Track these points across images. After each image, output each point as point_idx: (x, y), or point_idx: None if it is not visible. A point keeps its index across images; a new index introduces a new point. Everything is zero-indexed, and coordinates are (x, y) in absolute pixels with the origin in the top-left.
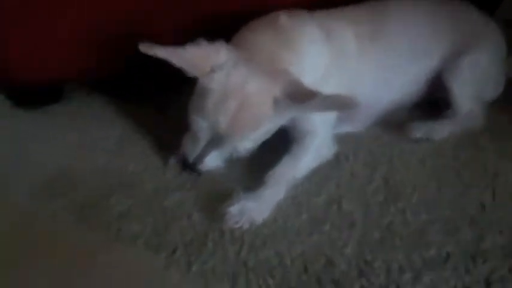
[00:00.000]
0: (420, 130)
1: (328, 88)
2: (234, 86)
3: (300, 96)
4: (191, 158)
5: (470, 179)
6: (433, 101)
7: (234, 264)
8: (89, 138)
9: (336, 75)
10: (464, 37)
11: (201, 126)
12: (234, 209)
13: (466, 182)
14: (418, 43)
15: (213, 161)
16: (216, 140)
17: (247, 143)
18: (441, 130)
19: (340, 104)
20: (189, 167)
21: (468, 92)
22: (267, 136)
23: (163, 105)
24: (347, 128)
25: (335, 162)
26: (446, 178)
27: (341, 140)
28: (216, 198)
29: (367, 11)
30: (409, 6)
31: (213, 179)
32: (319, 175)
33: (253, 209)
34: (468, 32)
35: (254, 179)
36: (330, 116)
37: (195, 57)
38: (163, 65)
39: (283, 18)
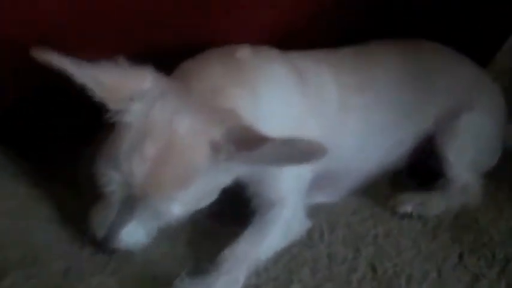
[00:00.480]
0: (410, 204)
1: None
2: (156, 122)
3: (247, 140)
4: (101, 233)
5: (477, 267)
6: (418, 168)
7: None
8: None
9: (313, 131)
10: (461, 94)
11: (111, 182)
12: None
13: (473, 271)
14: (410, 99)
15: (132, 234)
16: (131, 203)
17: (175, 207)
18: (435, 205)
19: (304, 152)
20: (99, 245)
21: (465, 160)
22: (207, 200)
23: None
24: (320, 198)
25: (307, 240)
26: (448, 266)
27: (313, 212)
28: (148, 286)
29: (350, 56)
30: (399, 55)
31: (146, 259)
32: (289, 257)
33: None
34: (466, 89)
35: (202, 259)
36: (301, 182)
37: (110, 79)
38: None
39: (243, 51)
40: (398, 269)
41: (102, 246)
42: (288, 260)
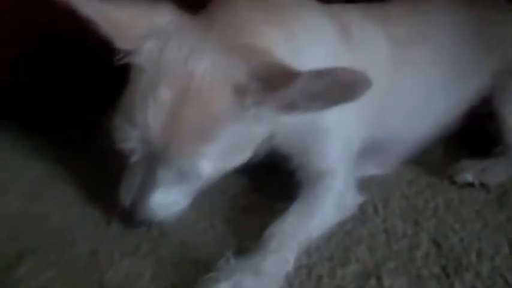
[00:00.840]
0: (470, 172)
1: (349, 112)
2: (171, 63)
3: (276, 77)
4: (127, 204)
5: None
6: (472, 134)
7: None
8: None
9: None
10: None
11: (128, 138)
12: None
13: None
14: (467, 53)
15: (160, 202)
16: (153, 163)
17: (201, 164)
18: (497, 172)
19: (344, 84)
20: (125, 216)
21: None
22: (239, 157)
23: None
24: (371, 170)
25: (360, 215)
26: None
27: (364, 185)
28: (188, 269)
29: (399, 7)
30: (453, 7)
31: (182, 239)
32: (342, 234)
33: (254, 287)
34: None
35: (244, 238)
36: (350, 149)
37: (121, 15)
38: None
39: None
40: (465, 244)
41: (130, 218)
42: (342, 237)
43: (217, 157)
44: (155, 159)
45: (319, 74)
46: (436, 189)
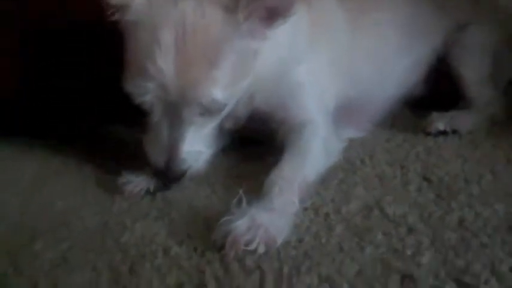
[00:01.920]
0: (442, 121)
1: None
2: (162, 11)
3: None
4: (161, 162)
5: None
6: (436, 95)
7: None
8: None
9: (325, 49)
10: (466, 11)
11: (145, 91)
12: (241, 225)
13: None
14: (419, 15)
15: (193, 149)
16: (175, 111)
17: (216, 91)
18: (466, 121)
19: None
20: (164, 176)
21: (480, 74)
22: (246, 78)
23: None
24: (349, 133)
25: (350, 166)
26: (500, 168)
27: (346, 146)
28: (200, 224)
29: None
30: None
31: (188, 204)
32: (337, 181)
33: (269, 223)
34: (468, 5)
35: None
36: (325, 103)
37: None
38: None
39: None
40: (452, 174)
41: (168, 175)
42: (338, 183)
43: (227, 82)
44: (177, 105)
45: None
46: (413, 142)
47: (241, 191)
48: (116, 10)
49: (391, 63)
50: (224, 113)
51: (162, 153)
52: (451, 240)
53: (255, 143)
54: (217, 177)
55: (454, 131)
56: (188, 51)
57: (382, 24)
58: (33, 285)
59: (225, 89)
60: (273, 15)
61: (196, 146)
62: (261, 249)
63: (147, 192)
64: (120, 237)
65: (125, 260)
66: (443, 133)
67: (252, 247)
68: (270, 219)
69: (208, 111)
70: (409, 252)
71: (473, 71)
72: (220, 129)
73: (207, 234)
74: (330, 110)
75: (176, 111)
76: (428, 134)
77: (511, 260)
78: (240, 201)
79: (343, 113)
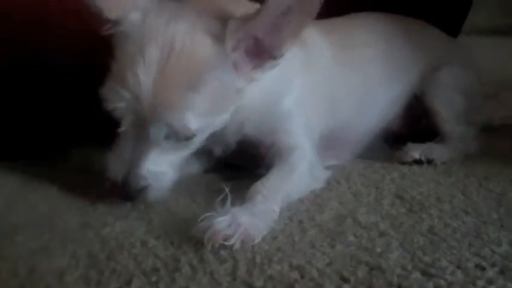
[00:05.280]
0: (417, 151)
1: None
2: (154, 27)
3: (247, 16)
4: (119, 175)
5: (499, 188)
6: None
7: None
8: None
9: (311, 81)
10: (440, 53)
11: (121, 100)
12: (222, 221)
13: (496, 192)
14: (399, 55)
15: (154, 168)
16: (144, 126)
17: (189, 117)
18: (440, 152)
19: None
20: (119, 190)
21: (454, 111)
22: (222, 113)
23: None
24: (329, 161)
25: (326, 185)
26: (472, 189)
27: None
28: (178, 224)
29: (341, 21)
30: (387, 22)
31: (168, 209)
32: (313, 196)
33: (249, 224)
34: (444, 49)
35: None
36: (311, 132)
37: None
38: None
39: None
40: (425, 194)
41: (123, 190)
42: (314, 197)
43: (202, 111)
44: (146, 121)
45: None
46: (389, 169)
47: (227, 189)
48: (112, 24)
49: (372, 98)
50: (191, 144)
51: (122, 166)
52: (419, 242)
53: (238, 167)
54: (198, 189)
55: (429, 161)
56: (170, 71)
57: (364, 60)
58: (14, 269)
59: (199, 116)
60: (262, 52)
61: (160, 167)
62: (237, 246)
63: None
64: (100, 231)
65: (104, 249)
66: (418, 162)
67: (229, 243)
68: (251, 221)
69: (176, 135)
70: (378, 250)
71: (447, 108)
72: (209, 154)
73: (184, 233)
74: (316, 138)
75: (144, 127)
76: (403, 163)
77: (478, 259)
78: (224, 200)
79: (324, 143)
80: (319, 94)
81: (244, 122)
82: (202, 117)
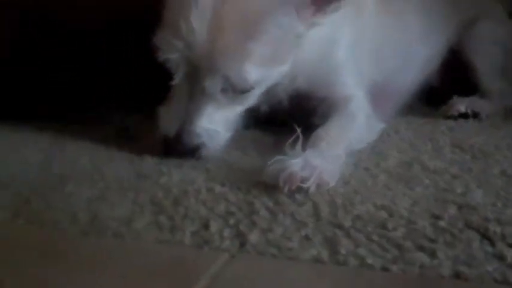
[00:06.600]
0: (463, 104)
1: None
2: None
3: None
4: (171, 132)
5: None
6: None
7: (316, 228)
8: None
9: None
10: (475, 6)
11: (175, 50)
12: (297, 163)
13: None
14: (437, 8)
15: (207, 126)
16: (199, 78)
17: (248, 66)
18: (485, 105)
19: None
20: (171, 147)
21: (490, 62)
22: (281, 61)
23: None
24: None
25: (379, 138)
26: None
27: None
28: (238, 172)
29: None
30: None
31: (224, 159)
32: (369, 148)
33: (322, 167)
34: (478, 2)
35: None
36: (363, 84)
37: None
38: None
39: None
40: (482, 143)
41: (176, 147)
42: (371, 148)
43: (262, 60)
44: (201, 73)
45: None
46: (434, 123)
47: (299, 130)
48: None
49: (412, 51)
50: (248, 99)
51: (175, 122)
52: (497, 183)
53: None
54: (247, 142)
55: (475, 115)
56: (225, 16)
57: (404, 12)
58: (72, 217)
59: (258, 67)
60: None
61: (214, 125)
62: (313, 189)
63: None
64: (158, 180)
65: (167, 196)
66: (464, 116)
67: (306, 185)
68: (324, 164)
69: (232, 88)
70: (459, 191)
71: (485, 62)
72: (256, 112)
73: (249, 179)
74: (365, 89)
75: (199, 79)
76: (448, 117)
77: None
78: (295, 142)
79: (369, 98)
80: (365, 45)
81: (298, 75)
82: (261, 67)
